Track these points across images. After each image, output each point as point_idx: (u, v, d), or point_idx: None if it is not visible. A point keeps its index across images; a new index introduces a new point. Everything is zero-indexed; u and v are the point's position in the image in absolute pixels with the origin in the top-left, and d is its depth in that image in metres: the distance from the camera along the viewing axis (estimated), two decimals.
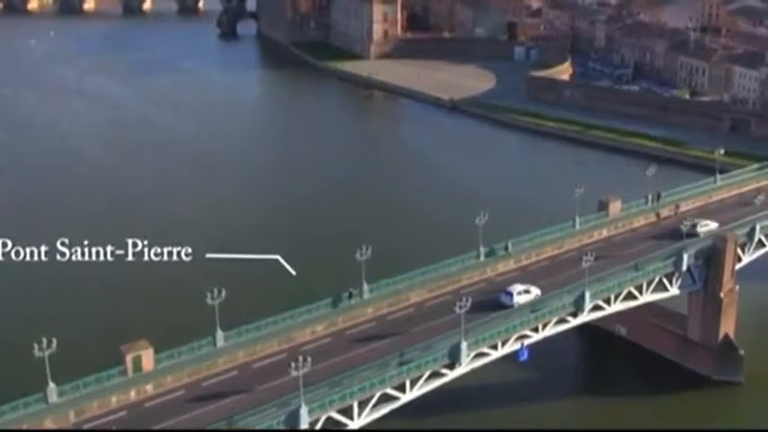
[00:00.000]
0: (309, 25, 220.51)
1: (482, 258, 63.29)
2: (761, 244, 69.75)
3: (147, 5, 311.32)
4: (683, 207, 76.37)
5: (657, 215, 71.22)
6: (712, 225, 69.95)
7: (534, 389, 64.94)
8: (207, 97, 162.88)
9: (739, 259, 67.91)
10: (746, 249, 68.30)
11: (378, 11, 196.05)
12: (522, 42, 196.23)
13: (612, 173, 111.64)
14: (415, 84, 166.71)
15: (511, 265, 63.75)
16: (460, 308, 48.95)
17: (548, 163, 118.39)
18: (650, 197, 75.28)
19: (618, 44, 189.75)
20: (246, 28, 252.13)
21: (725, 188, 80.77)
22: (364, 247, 55.63)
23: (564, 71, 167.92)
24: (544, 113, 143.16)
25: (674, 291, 63.31)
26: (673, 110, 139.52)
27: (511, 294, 56.77)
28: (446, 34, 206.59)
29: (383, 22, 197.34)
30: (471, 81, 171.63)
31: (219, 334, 50.57)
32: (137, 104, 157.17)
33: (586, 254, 56.12)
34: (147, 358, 48.03)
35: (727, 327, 65.86)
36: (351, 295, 54.48)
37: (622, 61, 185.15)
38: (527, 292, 57.23)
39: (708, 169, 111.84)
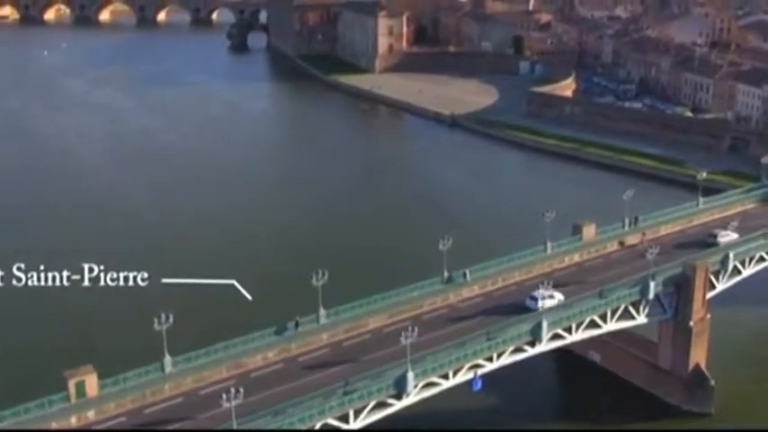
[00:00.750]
0: (317, 38, 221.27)
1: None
2: (736, 271, 68.47)
3: (161, 17, 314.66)
4: (663, 231, 75.39)
5: (621, 243, 69.79)
6: (733, 235, 70.53)
7: (504, 413, 64.11)
8: (209, 110, 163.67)
9: (713, 287, 66.72)
10: (720, 277, 67.00)
11: (383, 25, 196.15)
12: (528, 57, 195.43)
13: (603, 192, 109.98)
14: (416, 98, 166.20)
15: (476, 290, 62.98)
16: (406, 337, 48.37)
17: (540, 181, 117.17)
18: (627, 221, 74.18)
19: (624, 59, 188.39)
20: (258, 40, 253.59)
21: (707, 212, 79.41)
22: (320, 272, 55.25)
23: (567, 87, 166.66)
24: (543, 130, 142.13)
25: (641, 319, 62.13)
26: (672, 127, 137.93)
27: (536, 299, 59.05)
28: (452, 48, 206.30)
29: (388, 35, 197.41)
30: (474, 96, 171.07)
31: (168, 359, 50.23)
32: (139, 117, 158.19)
33: (543, 282, 55.06)
34: (91, 384, 47.77)
35: (698, 356, 64.52)
36: (297, 324, 53.95)
37: (628, 77, 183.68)
38: (551, 297, 59.42)
39: (703, 190, 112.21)
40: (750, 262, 69.37)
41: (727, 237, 70.19)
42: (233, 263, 73.05)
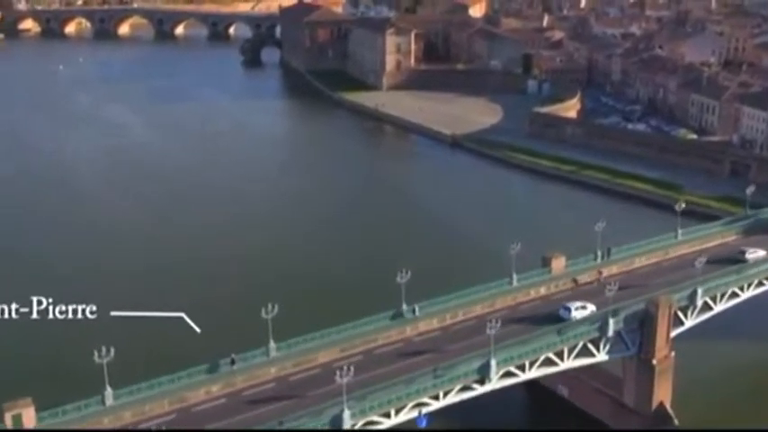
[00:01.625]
0: (327, 54, 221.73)
1: (407, 315, 62.18)
2: (707, 307, 67.10)
3: (179, 30, 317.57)
4: (637, 263, 74.16)
5: (575, 281, 68.54)
6: (761, 252, 72.02)
7: None
8: (212, 127, 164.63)
9: (681, 323, 65.47)
10: (689, 313, 65.68)
11: (391, 42, 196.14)
12: (536, 75, 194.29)
13: (594, 217, 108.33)
14: (418, 117, 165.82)
15: (434, 324, 62.39)
16: (341, 376, 47.93)
17: (531, 205, 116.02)
18: (600, 253, 73.10)
19: (633, 79, 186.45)
20: (271, 55, 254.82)
21: (686, 244, 77.99)
22: (271, 305, 55.08)
23: (571, 107, 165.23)
24: (542, 151, 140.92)
25: (601, 357, 61.12)
26: (673, 150, 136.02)
27: (569, 309, 62.58)
28: (460, 66, 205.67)
29: (396, 53, 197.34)
30: (478, 115, 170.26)
31: (109, 392, 50.35)
32: (143, 133, 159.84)
33: (490, 320, 54.26)
34: (29, 416, 47.98)
35: (663, 394, 63.27)
36: (233, 362, 53.67)
37: (637, 97, 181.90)
38: (583, 307, 62.94)
39: (700, 216, 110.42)
40: (722, 298, 67.99)
41: (755, 254, 72.18)
42: (188, 292, 72.68)
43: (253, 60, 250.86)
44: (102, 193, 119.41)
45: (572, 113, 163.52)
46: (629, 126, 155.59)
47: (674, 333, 64.77)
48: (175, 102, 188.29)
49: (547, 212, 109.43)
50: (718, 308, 67.94)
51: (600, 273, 68.89)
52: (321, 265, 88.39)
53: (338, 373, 48.12)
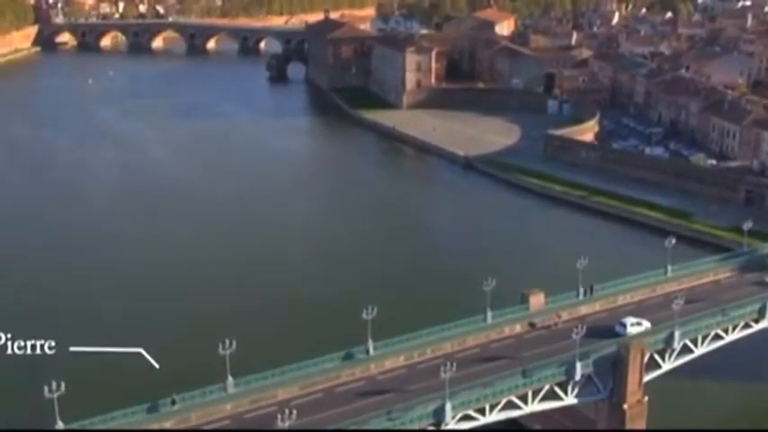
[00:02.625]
0: (351, 71, 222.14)
1: (371, 353, 61.47)
2: (688, 350, 65.14)
3: (210, 45, 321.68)
4: (621, 300, 72.37)
5: (532, 325, 66.76)
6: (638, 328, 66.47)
7: None
8: (227, 144, 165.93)
9: (658, 366, 63.68)
10: (666, 356, 63.81)
11: (411, 60, 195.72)
12: (556, 95, 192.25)
13: (598, 247, 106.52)
14: (432, 137, 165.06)
15: (400, 361, 61.55)
16: (283, 420, 47.43)
17: (535, 233, 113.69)
18: (582, 290, 71.54)
19: (655, 100, 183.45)
20: (298, 71, 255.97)
21: (675, 281, 75.89)
22: (228, 341, 54.87)
23: (588, 129, 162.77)
24: (554, 175, 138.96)
25: (569, 400, 59.65)
26: (688, 176, 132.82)
27: (625, 325, 64.78)
28: (481, 84, 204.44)
29: (416, 71, 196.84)
30: (495, 135, 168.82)
31: (60, 425, 50.53)
32: (156, 151, 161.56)
33: (446, 363, 53.27)
34: None
35: None
36: (174, 402, 53.39)
37: (659, 119, 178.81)
38: (639, 324, 65.17)
39: (710, 246, 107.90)
40: (704, 340, 66.00)
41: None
42: (151, 326, 72.63)
43: (278, 76, 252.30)
44: (87, 217, 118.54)
45: (588, 136, 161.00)
46: (647, 150, 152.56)
47: (650, 376, 63.03)
48: (195, 118, 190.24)
49: (548, 242, 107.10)
50: (700, 351, 65.93)
51: (558, 316, 67.02)
52: (291, 293, 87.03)
53: (284, 414, 47.62)
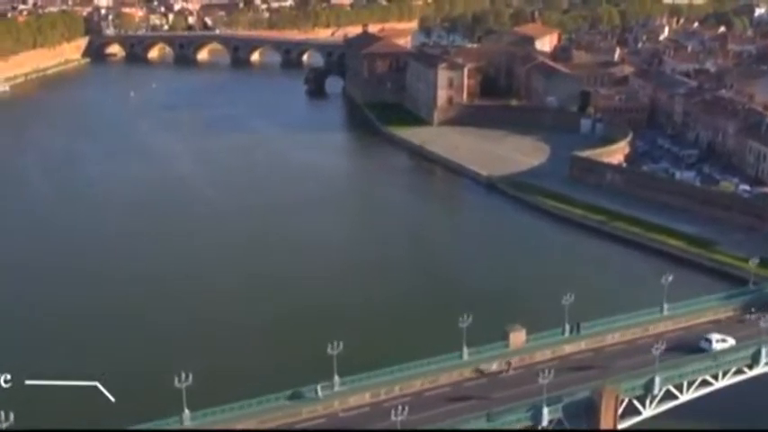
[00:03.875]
0: (386, 86, 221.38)
1: (337, 388, 60.20)
2: (672, 395, 62.11)
3: (254, 57, 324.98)
4: (609, 340, 69.52)
5: (480, 371, 63.83)
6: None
7: None
8: (253, 159, 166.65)
9: (638, 412, 60.84)
10: (647, 402, 60.92)
11: (443, 76, 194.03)
12: (590, 114, 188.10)
13: (610, 278, 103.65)
14: (456, 156, 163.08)
15: (366, 398, 60.11)
16: None
17: (544, 260, 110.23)
18: (567, 327, 69.01)
19: (694, 121, 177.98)
20: (336, 85, 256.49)
21: (671, 320, 72.68)
22: (183, 374, 54.28)
23: (618, 150, 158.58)
24: (576, 198, 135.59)
25: None
26: (714, 203, 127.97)
27: (710, 341, 65.94)
28: (514, 102, 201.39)
29: (448, 88, 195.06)
30: (522, 155, 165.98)
31: None
32: (182, 164, 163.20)
33: (395, 407, 51.63)
34: None
35: None
36: None
37: (696, 140, 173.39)
38: (724, 340, 66.27)
39: (730, 278, 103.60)
40: (690, 386, 62.87)
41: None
42: (109, 358, 72.13)
43: (316, 90, 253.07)
44: (83, 233, 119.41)
45: (618, 157, 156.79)
46: (677, 173, 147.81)
47: (629, 423, 60.35)
48: (225, 131, 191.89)
49: (551, 271, 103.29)
50: (686, 397, 62.91)
51: (509, 363, 64.26)
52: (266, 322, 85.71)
53: None
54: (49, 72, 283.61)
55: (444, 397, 60.62)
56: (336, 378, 60.00)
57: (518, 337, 66.62)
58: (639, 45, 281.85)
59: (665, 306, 73.36)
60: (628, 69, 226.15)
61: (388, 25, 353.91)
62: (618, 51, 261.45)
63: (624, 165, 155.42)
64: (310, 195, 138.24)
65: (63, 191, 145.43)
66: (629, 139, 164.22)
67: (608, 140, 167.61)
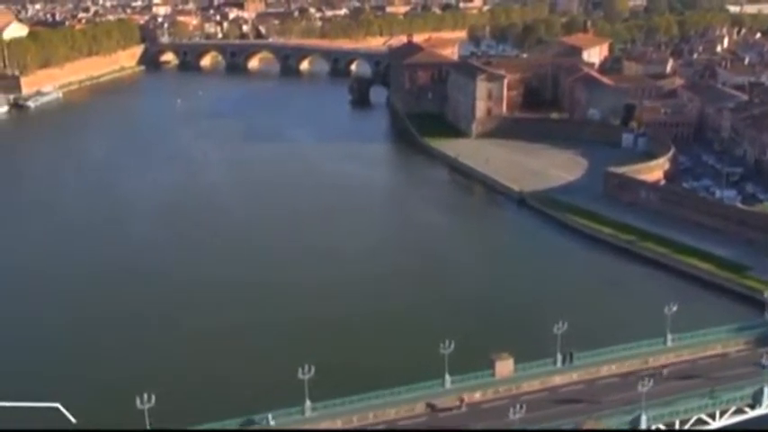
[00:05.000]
0: (427, 97, 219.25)
1: (308, 414, 58.66)
2: None
3: (304, 66, 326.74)
4: (605, 371, 66.19)
5: (430, 406, 60.63)
6: None
7: None
8: (286, 169, 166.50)
9: None
10: None
11: (482, 87, 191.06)
12: (633, 128, 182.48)
13: (629, 302, 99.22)
14: (488, 169, 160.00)
15: (338, 424, 58.41)
16: None
17: (562, 281, 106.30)
18: (560, 357, 65.99)
19: (741, 137, 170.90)
20: (381, 95, 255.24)
21: (674, 352, 68.90)
22: (146, 395, 53.51)
23: (658, 166, 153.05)
24: (607, 216, 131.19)
25: None
26: (751, 225, 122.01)
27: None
28: (554, 115, 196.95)
29: (487, 99, 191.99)
30: (558, 170, 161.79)
31: None
32: (215, 173, 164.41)
33: None
34: None
35: None
36: None
37: (743, 157, 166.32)
38: None
39: (761, 306, 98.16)
40: (684, 424, 59.27)
41: None
42: (66, 379, 72.04)
43: (360, 100, 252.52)
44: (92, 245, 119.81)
45: (657, 174, 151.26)
46: (717, 192, 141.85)
47: None
48: (263, 141, 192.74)
49: (565, 294, 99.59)
50: None
51: (461, 399, 61.23)
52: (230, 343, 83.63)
53: None
54: (103, 79, 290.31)
55: (422, 426, 58.52)
56: (308, 403, 58.42)
57: (505, 366, 64.02)
58: (695, 56, 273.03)
59: (669, 337, 69.54)
60: (678, 82, 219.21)
61: (439, 35, 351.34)
62: (670, 63, 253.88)
63: (663, 182, 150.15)
64: (332, 206, 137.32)
65: (87, 196, 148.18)
66: (670, 154, 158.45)
67: (650, 155, 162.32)
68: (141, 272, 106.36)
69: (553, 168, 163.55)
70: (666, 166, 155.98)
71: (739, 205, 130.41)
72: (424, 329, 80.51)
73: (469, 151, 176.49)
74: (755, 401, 61.17)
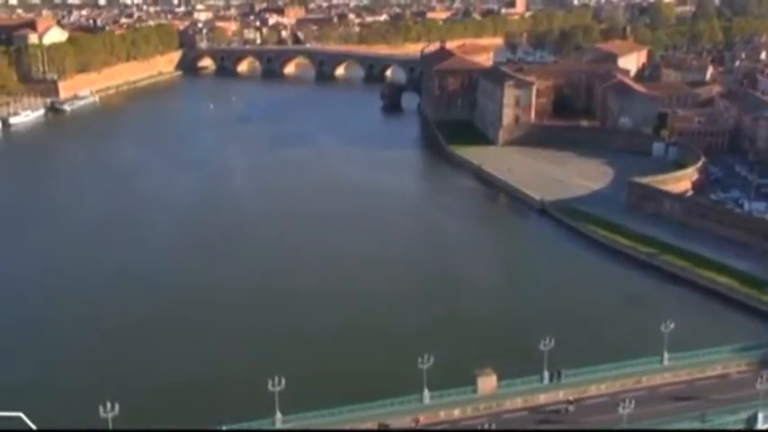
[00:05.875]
0: (456, 104, 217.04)
1: (279, 425, 57.32)
2: None
3: (339, 71, 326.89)
4: (594, 390, 63.53)
5: (384, 426, 58.38)
6: None
7: None
8: (307, 174, 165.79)
9: None
10: None
11: (509, 94, 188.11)
12: (664, 137, 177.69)
13: (640, 317, 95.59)
14: (510, 178, 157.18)
15: None
16: None
17: (581, 295, 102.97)
18: (547, 375, 63.62)
19: None
20: (413, 101, 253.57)
21: (671, 371, 65.92)
22: (109, 404, 52.83)
23: (685, 177, 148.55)
24: (627, 227, 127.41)
25: None
26: None
27: None
28: (584, 123, 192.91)
29: (515, 106, 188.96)
30: (583, 179, 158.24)
31: None
32: (236, 178, 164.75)
33: None
34: None
35: None
36: None
37: None
38: None
39: None
40: None
41: None
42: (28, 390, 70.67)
43: (391, 106, 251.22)
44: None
45: (684, 184, 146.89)
46: (746, 204, 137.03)
47: None
48: (288, 146, 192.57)
49: (578, 308, 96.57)
50: None
51: (417, 420, 58.91)
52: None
53: None
54: (140, 84, 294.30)
55: None
56: (279, 415, 57.16)
57: (488, 382, 61.97)
58: (737, 63, 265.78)
59: (666, 356, 66.60)
60: (716, 89, 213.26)
61: (476, 41, 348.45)
62: (710, 70, 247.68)
63: (690, 193, 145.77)
64: (346, 213, 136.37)
65: (104, 198, 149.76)
66: (699, 164, 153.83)
67: (681, 165, 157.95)
68: (136, 276, 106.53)
69: (578, 177, 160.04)
70: (695, 176, 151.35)
71: (763, 217, 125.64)
72: (407, 342, 78.52)
73: (494, 159, 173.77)
74: (749, 426, 58.06)
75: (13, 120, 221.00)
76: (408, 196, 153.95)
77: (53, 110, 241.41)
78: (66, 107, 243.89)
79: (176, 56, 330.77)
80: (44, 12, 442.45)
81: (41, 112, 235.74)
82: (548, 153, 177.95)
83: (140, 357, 79.28)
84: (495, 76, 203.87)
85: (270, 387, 56.36)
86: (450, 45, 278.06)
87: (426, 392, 60.30)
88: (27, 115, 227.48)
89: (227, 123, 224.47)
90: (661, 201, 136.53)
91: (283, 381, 56.51)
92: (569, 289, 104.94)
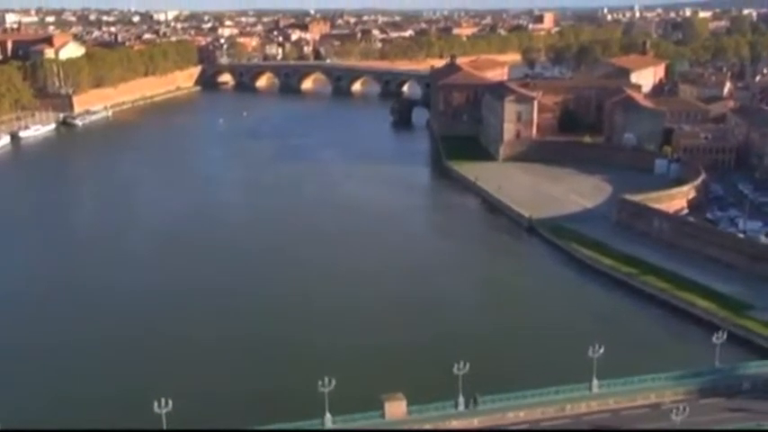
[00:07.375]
0: (462, 119, 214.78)
1: None
2: None
3: (355, 87, 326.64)
4: (511, 416, 60.31)
5: None
6: None
7: None
8: (302, 191, 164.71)
9: None
10: None
11: (510, 109, 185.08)
12: (666, 154, 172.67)
13: (608, 341, 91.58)
14: (503, 194, 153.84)
15: None
16: None
17: (551, 317, 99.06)
18: (462, 400, 60.59)
19: None
20: (423, 116, 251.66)
21: (598, 399, 62.36)
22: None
23: (681, 194, 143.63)
24: (612, 247, 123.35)
25: None
26: (764, 259, 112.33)
27: None
28: (587, 139, 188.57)
29: (516, 122, 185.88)
30: (578, 196, 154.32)
31: None
32: (229, 193, 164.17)
33: None
34: None
35: None
36: None
37: None
38: None
39: (758, 350, 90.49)
40: None
41: None
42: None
43: (401, 121, 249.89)
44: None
45: (680, 202, 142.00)
46: (740, 223, 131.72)
47: None
48: (290, 161, 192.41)
49: (536, 331, 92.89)
50: None
51: None
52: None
53: None
54: (157, 99, 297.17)
55: None
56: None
57: (396, 407, 59.24)
58: (757, 79, 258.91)
59: (595, 383, 63.09)
60: (730, 105, 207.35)
61: (493, 56, 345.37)
62: (728, 86, 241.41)
63: (686, 211, 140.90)
64: (335, 229, 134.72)
65: (95, 214, 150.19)
66: (697, 182, 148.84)
67: (682, 183, 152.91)
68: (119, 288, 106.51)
69: (574, 194, 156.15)
70: (691, 194, 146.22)
71: (754, 238, 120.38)
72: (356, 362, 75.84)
73: (490, 175, 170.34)
74: None
75: (23, 134, 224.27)
76: (394, 211, 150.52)
77: (65, 124, 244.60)
78: (78, 121, 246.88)
79: (195, 71, 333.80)
80: (73, 28, 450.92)
81: (52, 126, 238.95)
82: (548, 169, 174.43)
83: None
84: (498, 91, 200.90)
85: (156, 409, 54.32)
86: (463, 60, 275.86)
87: (329, 416, 57.78)
88: (37, 129, 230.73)
89: (232, 138, 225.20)
90: (650, 219, 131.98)
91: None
92: (535, 309, 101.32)
